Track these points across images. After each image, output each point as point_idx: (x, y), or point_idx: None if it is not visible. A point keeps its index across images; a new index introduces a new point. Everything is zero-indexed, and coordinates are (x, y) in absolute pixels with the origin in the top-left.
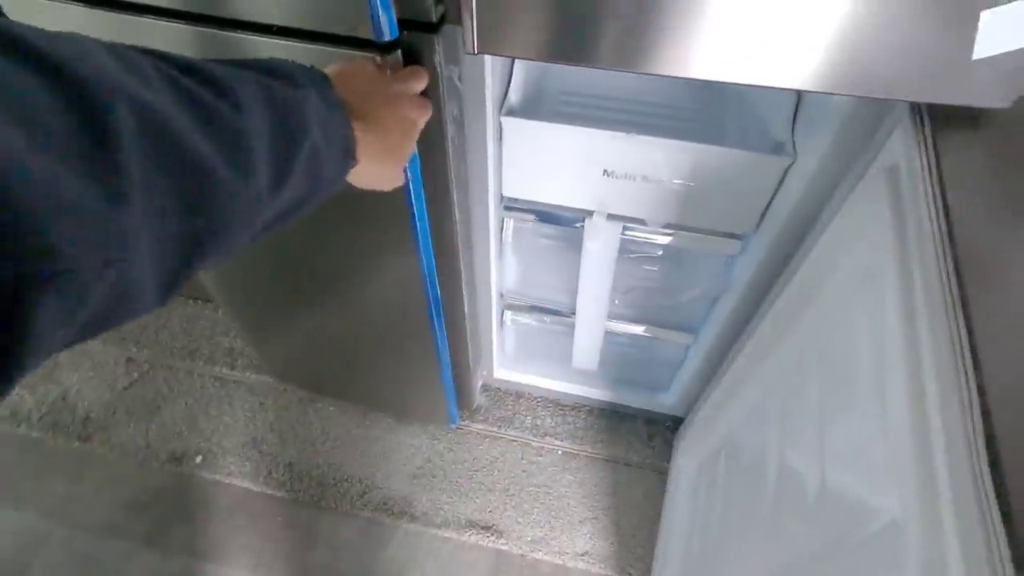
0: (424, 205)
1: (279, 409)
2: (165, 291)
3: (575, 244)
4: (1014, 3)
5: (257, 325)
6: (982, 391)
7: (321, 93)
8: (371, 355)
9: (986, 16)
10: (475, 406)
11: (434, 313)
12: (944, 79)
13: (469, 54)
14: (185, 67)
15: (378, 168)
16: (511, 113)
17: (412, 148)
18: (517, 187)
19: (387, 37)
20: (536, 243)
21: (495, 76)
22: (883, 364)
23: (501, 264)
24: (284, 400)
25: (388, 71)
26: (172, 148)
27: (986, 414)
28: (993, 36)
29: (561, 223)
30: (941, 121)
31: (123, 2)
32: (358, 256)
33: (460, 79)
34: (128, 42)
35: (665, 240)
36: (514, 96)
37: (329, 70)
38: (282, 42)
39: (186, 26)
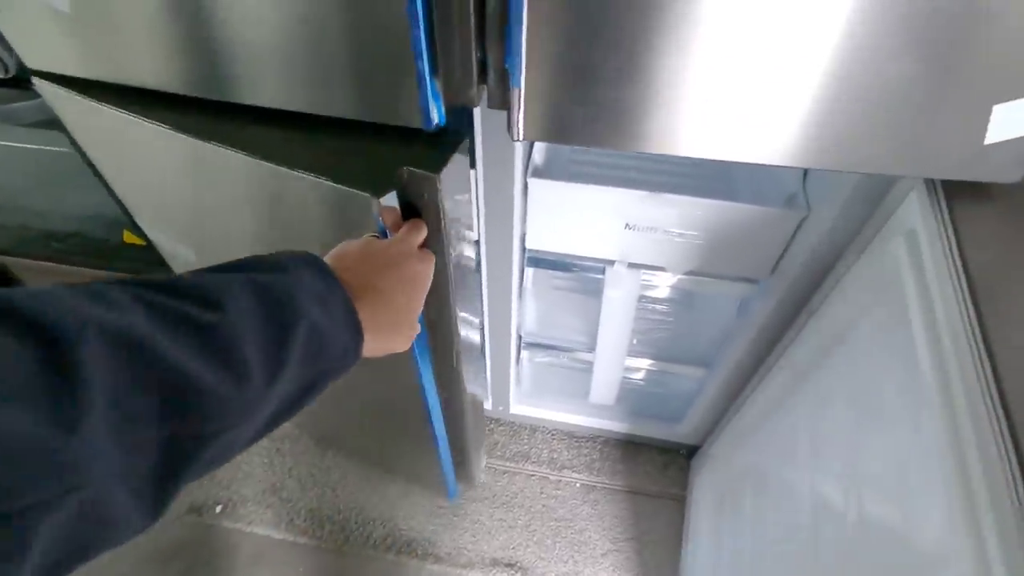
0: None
1: (296, 454)
2: (155, 504)
3: (592, 287)
4: (1022, 100)
5: None
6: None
7: (314, 272)
8: (373, 428)
9: (998, 109)
10: (478, 482)
11: (432, 415)
12: (957, 158)
13: (516, 141)
14: (162, 286)
15: (389, 336)
16: (537, 174)
17: (420, 305)
18: (540, 239)
19: (436, 124)
20: (555, 288)
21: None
22: (917, 402)
23: (521, 307)
24: (301, 445)
25: (385, 231)
26: (147, 365)
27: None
28: (1004, 125)
29: (582, 271)
30: (955, 188)
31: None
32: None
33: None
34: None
35: (683, 285)
36: (538, 157)
37: (324, 255)
38: (332, 140)
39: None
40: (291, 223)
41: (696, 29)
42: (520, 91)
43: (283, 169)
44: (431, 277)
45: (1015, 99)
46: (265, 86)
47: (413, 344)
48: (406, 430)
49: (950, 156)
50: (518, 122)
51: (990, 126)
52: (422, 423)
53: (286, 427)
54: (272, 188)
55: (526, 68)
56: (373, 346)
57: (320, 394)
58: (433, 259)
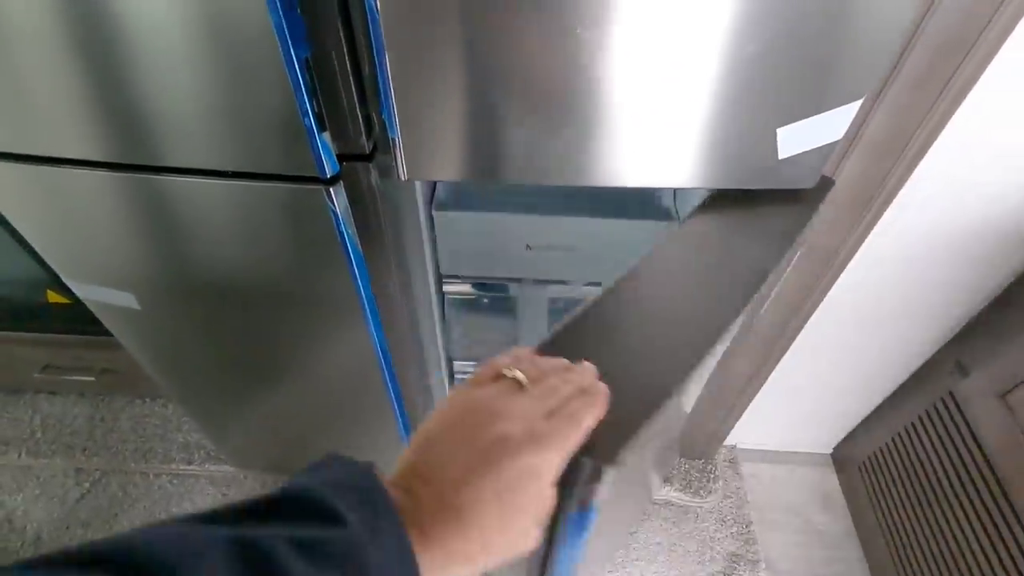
0: (374, 299)
1: (244, 496)
2: None
3: (508, 305)
4: (793, 125)
5: (212, 416)
6: None
7: (375, 534)
8: (332, 428)
9: (781, 132)
10: None
11: (389, 381)
12: (768, 172)
13: (402, 179)
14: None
15: (463, 565)
16: (439, 207)
17: (535, 509)
18: (452, 265)
19: (329, 172)
20: (473, 309)
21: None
22: None
23: (446, 326)
24: (248, 486)
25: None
26: None
27: None
28: (787, 144)
29: (495, 290)
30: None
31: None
32: (311, 340)
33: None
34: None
35: (587, 293)
36: (442, 192)
37: (414, 442)
38: (235, 183)
39: (144, 176)
40: (234, 232)
41: (537, 86)
42: (398, 139)
43: (218, 181)
44: (565, 452)
45: (789, 123)
46: (173, 148)
47: (367, 314)
48: (365, 419)
49: (765, 169)
50: (401, 164)
51: (779, 145)
52: (380, 399)
53: (231, 471)
54: (208, 201)
55: (400, 119)
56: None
57: None
58: (564, 431)
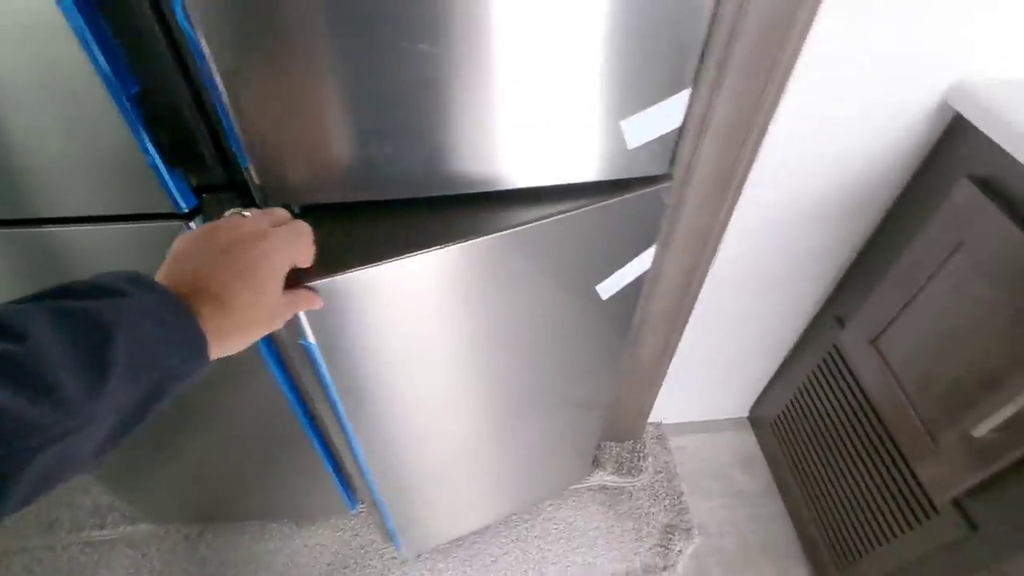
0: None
1: (164, 554)
2: None
3: None
4: (632, 117)
5: (123, 474)
6: None
7: (138, 288)
8: (252, 469)
9: (623, 124)
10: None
11: (304, 418)
12: (623, 163)
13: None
14: None
15: (244, 332)
16: None
17: (274, 287)
18: None
19: (185, 207)
20: None
21: None
22: None
23: None
24: (168, 543)
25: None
26: None
27: None
28: (633, 135)
29: None
30: None
31: None
32: (212, 389)
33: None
34: None
35: None
36: None
37: (169, 258)
38: (99, 227)
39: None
40: None
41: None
42: (249, 168)
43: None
44: (283, 251)
45: (630, 116)
46: (28, 200)
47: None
48: (284, 455)
49: (620, 161)
50: (258, 192)
51: (626, 137)
52: (295, 432)
53: (149, 529)
54: (76, 249)
55: (246, 146)
56: (229, 346)
57: (174, 397)
58: (280, 233)
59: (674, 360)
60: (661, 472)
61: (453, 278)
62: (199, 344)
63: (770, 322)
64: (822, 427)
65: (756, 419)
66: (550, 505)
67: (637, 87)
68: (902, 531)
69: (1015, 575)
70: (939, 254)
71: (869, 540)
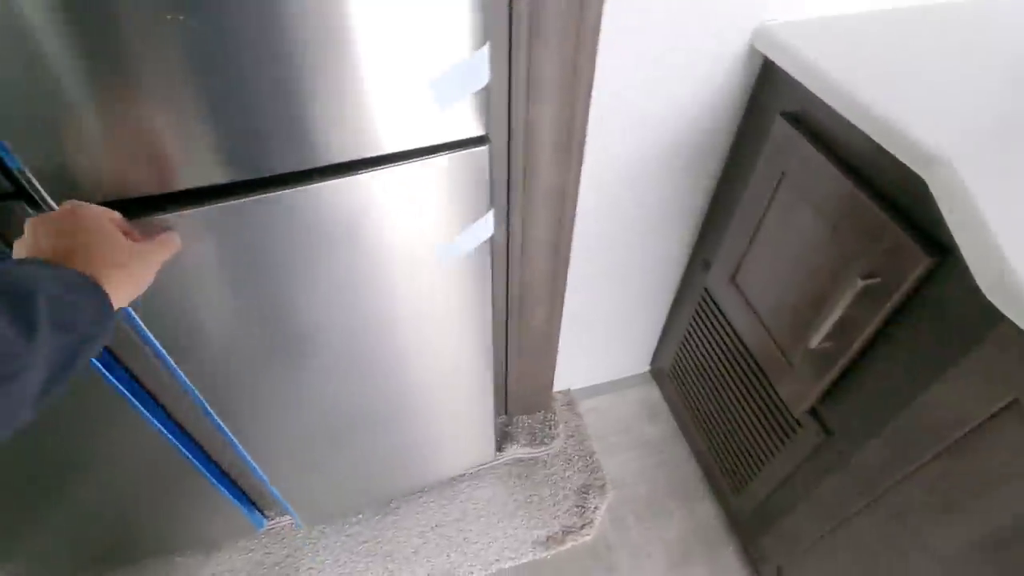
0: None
1: None
2: None
3: None
4: (436, 78)
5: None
6: None
7: (34, 263)
8: (143, 506)
9: (430, 86)
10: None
11: (175, 440)
12: (436, 127)
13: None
14: None
15: (130, 277)
16: None
17: (116, 243)
18: None
19: None
20: None
21: None
22: None
23: None
24: None
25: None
26: None
27: None
28: (442, 95)
29: None
30: None
31: None
32: (85, 430)
33: None
34: None
35: None
36: None
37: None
38: None
39: None
40: None
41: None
42: (24, 169)
43: None
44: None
45: (433, 78)
46: None
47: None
48: (174, 489)
49: (433, 125)
50: (41, 194)
51: (435, 98)
52: (179, 464)
53: None
54: None
55: (13, 145)
56: (125, 296)
57: (96, 349)
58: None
59: (569, 327)
60: (572, 436)
61: (249, 234)
62: (101, 295)
63: (648, 275)
64: (707, 368)
65: (656, 371)
66: (467, 486)
67: (434, 48)
68: (777, 449)
69: (865, 466)
70: (768, 188)
71: (755, 464)
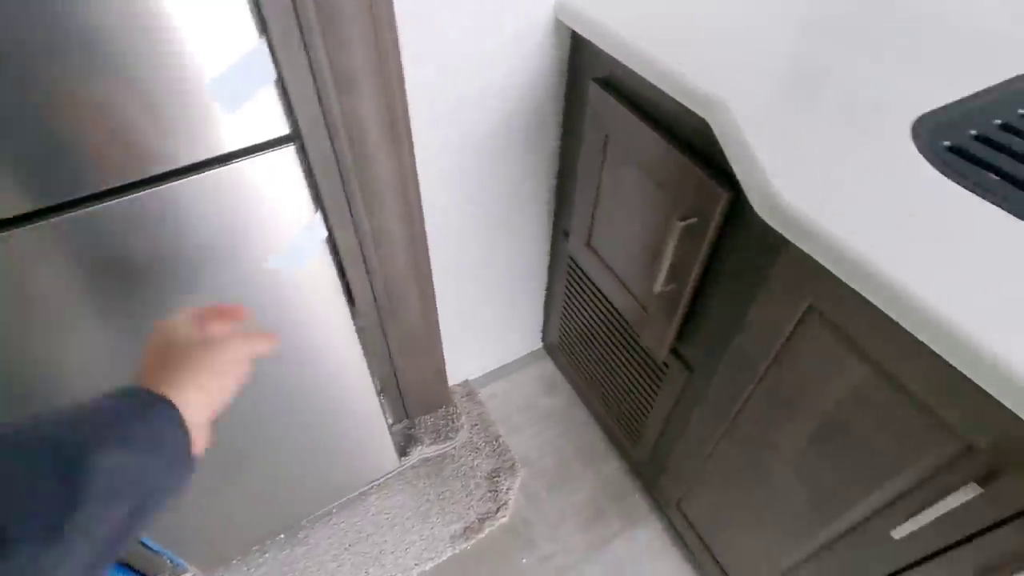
0: None
1: None
2: None
3: None
4: (213, 79)
5: None
6: None
7: (129, 413)
8: None
9: (208, 87)
10: None
11: None
12: (229, 130)
13: None
14: None
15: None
16: None
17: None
18: None
19: None
20: None
21: None
22: None
23: None
24: None
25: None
26: None
27: None
28: (225, 99)
29: None
30: None
31: None
32: None
33: None
34: None
35: None
36: None
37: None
38: None
39: None
40: None
41: None
42: None
43: None
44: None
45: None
46: None
47: None
48: None
49: (224, 129)
50: None
51: (219, 101)
52: None
53: None
54: None
55: None
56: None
57: (168, 500)
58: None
59: (453, 319)
60: (476, 425)
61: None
62: (182, 444)
63: (518, 255)
64: (588, 332)
65: (548, 346)
66: (376, 497)
67: (204, 48)
68: (654, 394)
69: (719, 392)
70: (598, 152)
71: (642, 413)
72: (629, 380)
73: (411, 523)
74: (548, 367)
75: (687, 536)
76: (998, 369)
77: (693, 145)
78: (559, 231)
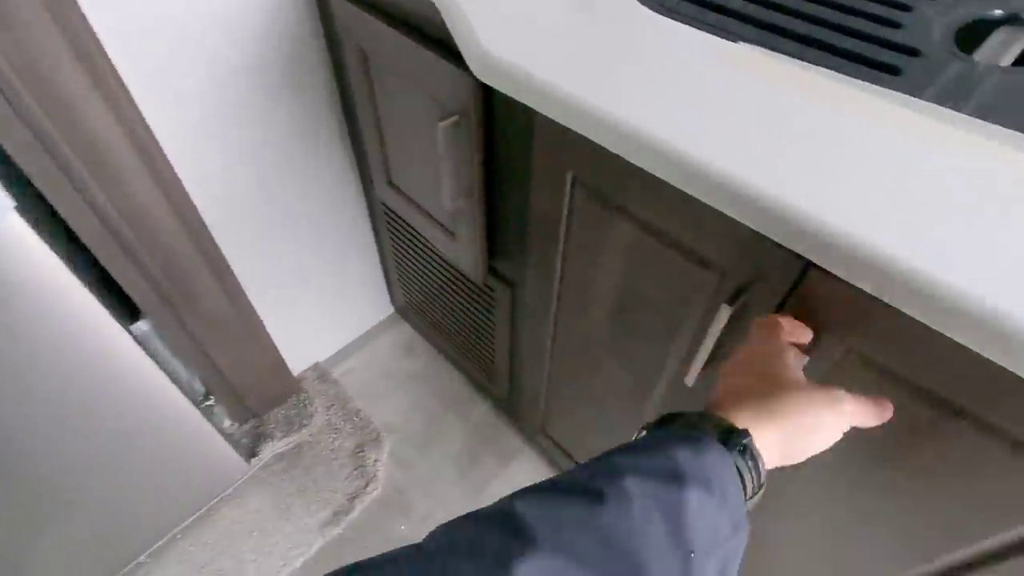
0: None
1: None
2: None
3: None
4: None
5: None
6: None
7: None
8: None
9: None
10: None
11: None
12: None
13: None
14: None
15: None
16: None
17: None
18: None
19: None
20: None
21: None
22: None
23: None
24: None
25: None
26: None
27: None
28: None
29: None
30: None
31: None
32: None
33: None
34: None
35: None
36: None
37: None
38: None
39: None
40: None
41: None
42: None
43: None
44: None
45: None
46: None
47: None
48: None
49: None
50: None
51: None
52: None
53: None
54: None
55: None
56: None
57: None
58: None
59: (280, 301)
60: (333, 406)
61: None
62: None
63: (331, 216)
64: (424, 280)
65: (400, 309)
66: (228, 508)
67: None
68: (491, 321)
69: (536, 298)
70: (363, 74)
71: (488, 346)
72: (468, 315)
73: (272, 524)
74: (404, 330)
75: (556, 456)
76: (725, 187)
77: (439, 39)
78: (366, 180)
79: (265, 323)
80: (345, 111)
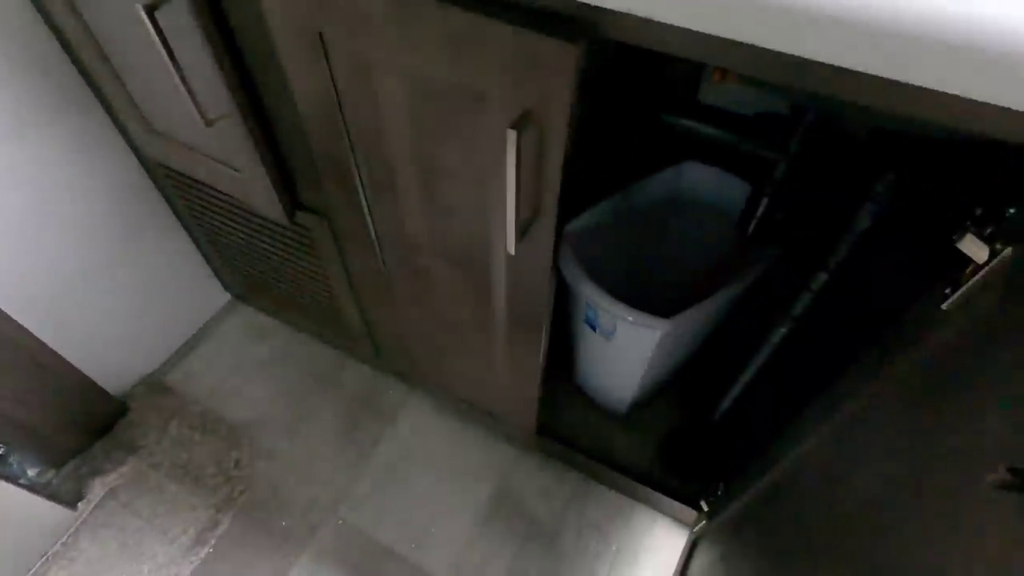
0: None
1: None
2: None
3: None
4: None
5: None
6: None
7: None
8: None
9: None
10: None
11: None
12: None
13: None
14: None
15: None
16: None
17: None
18: None
19: None
20: None
21: None
22: None
23: None
24: None
25: None
26: None
27: None
28: None
29: None
30: None
31: None
32: None
33: None
34: None
35: None
36: None
37: None
38: None
39: None
40: None
41: None
42: None
43: None
44: None
45: None
46: None
47: None
48: None
49: None
50: None
51: None
52: None
53: None
54: None
55: None
56: None
57: None
58: None
59: (66, 322)
60: (174, 417)
61: None
62: None
63: (92, 193)
64: (240, 245)
65: (237, 293)
66: (56, 568)
67: None
68: (323, 269)
69: (349, 221)
70: (69, 9)
71: (329, 297)
72: (298, 270)
73: (122, 569)
74: (248, 314)
75: (440, 398)
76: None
77: None
78: (135, 148)
79: (63, 350)
80: (85, 78)
